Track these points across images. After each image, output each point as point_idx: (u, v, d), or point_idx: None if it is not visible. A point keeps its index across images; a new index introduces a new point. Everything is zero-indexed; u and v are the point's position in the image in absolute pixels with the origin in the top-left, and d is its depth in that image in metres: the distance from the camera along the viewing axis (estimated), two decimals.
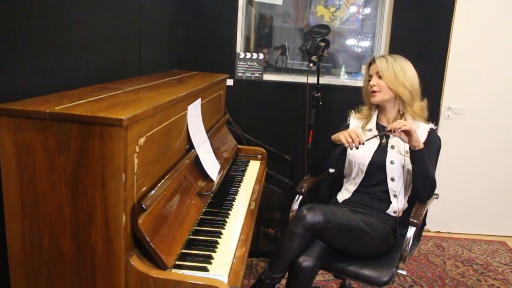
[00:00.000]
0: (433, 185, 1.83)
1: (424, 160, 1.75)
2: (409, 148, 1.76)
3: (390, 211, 1.87)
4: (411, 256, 2.00)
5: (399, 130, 1.71)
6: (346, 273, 1.78)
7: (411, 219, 1.74)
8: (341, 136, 1.79)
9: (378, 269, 1.73)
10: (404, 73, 1.88)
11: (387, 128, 1.77)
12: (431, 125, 1.92)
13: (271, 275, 1.69)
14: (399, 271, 1.73)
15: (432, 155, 1.87)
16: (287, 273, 1.72)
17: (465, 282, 2.63)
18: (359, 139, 1.75)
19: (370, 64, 1.97)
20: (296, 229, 1.67)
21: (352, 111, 2.09)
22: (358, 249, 1.78)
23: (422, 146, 1.74)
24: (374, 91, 1.90)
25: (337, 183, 2.12)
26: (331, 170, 2.13)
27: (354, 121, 2.04)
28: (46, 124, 1.08)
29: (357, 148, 1.79)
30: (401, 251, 1.73)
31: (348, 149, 1.97)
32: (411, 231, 1.73)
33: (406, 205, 1.93)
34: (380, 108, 2.00)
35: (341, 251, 1.79)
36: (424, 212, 1.82)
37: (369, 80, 1.95)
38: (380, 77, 1.89)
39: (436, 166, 1.99)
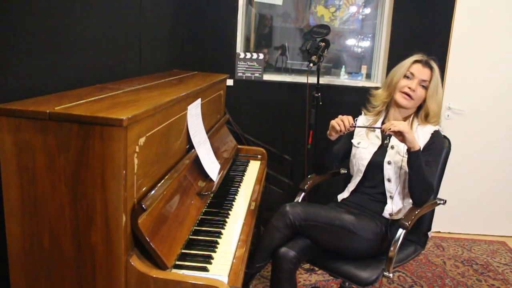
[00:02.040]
0: (429, 188, 1.77)
1: (420, 162, 1.71)
2: (407, 150, 1.73)
3: (385, 213, 1.85)
4: (409, 260, 1.95)
5: (391, 130, 1.68)
6: (330, 269, 1.77)
7: (401, 221, 1.71)
8: (333, 122, 1.78)
9: (364, 269, 1.70)
10: (440, 92, 1.86)
11: (381, 127, 1.76)
12: (436, 127, 1.88)
13: (250, 265, 1.71)
14: (385, 273, 1.68)
15: (433, 158, 1.83)
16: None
17: (465, 282, 2.63)
18: (348, 121, 1.76)
19: (417, 61, 1.87)
20: (277, 223, 1.71)
21: (363, 111, 2.05)
22: (345, 249, 1.77)
23: (417, 147, 1.70)
24: (409, 96, 1.84)
25: (347, 183, 2.10)
26: (343, 171, 2.13)
27: (364, 120, 2.02)
28: (46, 124, 1.08)
29: (349, 130, 1.78)
30: (385, 252, 1.70)
31: (354, 148, 1.97)
32: (399, 233, 1.69)
33: (408, 207, 1.89)
34: (391, 107, 1.95)
35: (330, 250, 1.79)
36: (418, 215, 1.76)
37: (406, 77, 1.87)
38: (422, 86, 1.84)
39: (444, 169, 1.95)
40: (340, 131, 1.78)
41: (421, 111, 1.89)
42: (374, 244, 1.78)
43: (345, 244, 1.75)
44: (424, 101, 1.87)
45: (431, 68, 1.86)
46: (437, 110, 1.87)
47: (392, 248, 1.68)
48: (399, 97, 1.87)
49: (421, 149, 1.80)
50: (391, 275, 1.68)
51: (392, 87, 1.92)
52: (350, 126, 1.77)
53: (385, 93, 1.96)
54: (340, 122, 1.77)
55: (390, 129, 1.68)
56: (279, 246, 1.69)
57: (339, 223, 1.72)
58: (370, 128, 1.94)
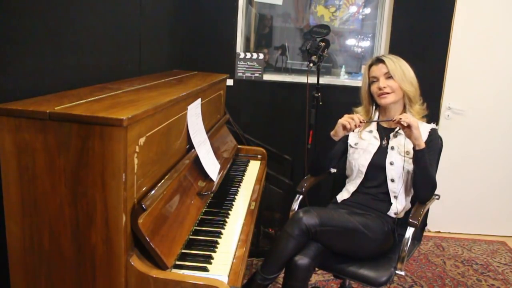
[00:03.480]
0: (433, 186, 1.82)
1: (425, 160, 1.74)
2: (413, 148, 1.76)
3: (390, 212, 1.86)
4: (411, 256, 1.99)
5: (402, 121, 1.70)
6: (344, 273, 1.78)
7: (410, 220, 1.73)
8: (342, 121, 1.80)
9: (376, 269, 1.73)
10: (409, 71, 1.90)
11: (394, 118, 1.75)
12: (433, 126, 1.91)
13: (264, 276, 1.67)
14: (397, 272, 1.72)
15: (432, 156, 1.85)
16: (283, 274, 1.72)
17: (465, 282, 2.63)
18: (358, 118, 1.78)
19: (371, 65, 1.94)
20: (292, 231, 1.66)
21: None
22: (356, 251, 1.78)
23: (423, 145, 1.73)
24: (386, 93, 1.88)
25: (339, 183, 2.12)
26: (333, 170, 2.13)
27: None
28: (46, 124, 1.08)
29: (359, 126, 1.81)
30: (399, 251, 1.73)
31: (351, 149, 1.97)
32: (410, 232, 1.73)
33: (409, 206, 1.90)
34: (381, 109, 1.99)
35: (340, 253, 1.79)
36: (424, 212, 1.81)
37: (373, 82, 1.92)
38: (389, 78, 1.88)
39: (437, 167, 1.98)
40: (350, 129, 1.79)
41: (407, 104, 1.91)
42: (382, 243, 1.80)
43: (357, 246, 1.76)
44: (401, 89, 1.88)
45: (382, 61, 1.90)
46: (413, 90, 1.89)
47: (405, 248, 1.71)
48: (380, 100, 1.91)
49: None
50: (403, 273, 1.72)
51: (366, 99, 2.00)
52: (360, 122, 1.79)
53: (364, 107, 2.02)
54: (351, 120, 1.78)
55: (401, 119, 1.69)
56: (294, 254, 1.67)
57: (352, 225, 1.72)
58: (381, 121, 1.95)
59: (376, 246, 1.78)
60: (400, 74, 1.87)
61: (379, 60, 1.92)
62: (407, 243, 1.71)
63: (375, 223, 1.79)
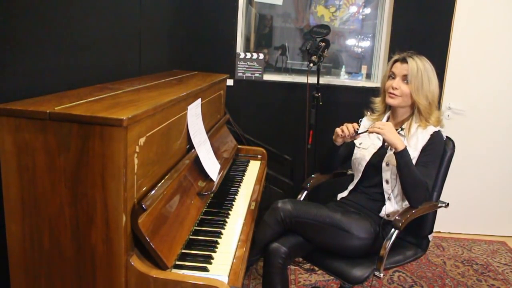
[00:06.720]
0: (422, 188, 1.74)
1: (406, 162, 1.71)
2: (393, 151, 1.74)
3: (382, 213, 1.85)
4: (406, 263, 1.92)
5: (374, 131, 1.72)
6: (321, 265, 1.79)
7: (394, 221, 1.70)
8: (337, 130, 1.83)
9: (354, 266, 1.70)
10: (429, 84, 1.83)
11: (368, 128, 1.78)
12: (437, 128, 1.86)
13: None
14: (375, 273, 1.67)
15: (432, 159, 1.82)
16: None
17: (465, 282, 2.63)
18: (353, 126, 1.79)
19: (396, 61, 1.88)
20: (268, 219, 1.75)
21: (369, 112, 2.06)
22: (336, 247, 1.76)
23: (400, 148, 1.70)
24: (394, 94, 1.85)
25: (348, 183, 2.11)
26: (350, 172, 2.14)
27: (366, 122, 2.03)
28: (46, 124, 1.08)
29: (354, 137, 1.82)
30: (379, 251, 1.68)
31: (355, 149, 1.98)
32: (391, 232, 1.68)
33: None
34: (392, 110, 1.97)
35: (322, 248, 1.80)
36: (411, 216, 1.74)
37: (390, 77, 1.88)
38: (405, 82, 1.83)
39: (447, 171, 1.95)
40: (344, 136, 1.81)
41: (416, 113, 1.88)
42: (367, 243, 1.77)
43: (337, 242, 1.75)
44: (411, 97, 1.84)
45: (407, 62, 1.84)
46: (426, 104, 1.84)
47: (386, 249, 1.67)
48: (387, 98, 1.89)
49: (421, 149, 1.82)
50: (381, 275, 1.66)
51: (383, 93, 1.97)
52: (354, 134, 1.80)
53: (381, 98, 2.00)
54: (344, 128, 1.80)
55: (373, 131, 1.73)
56: (271, 242, 1.72)
57: (329, 221, 1.73)
58: (365, 132, 1.93)
59: (359, 245, 1.75)
60: (417, 84, 1.81)
61: (405, 60, 1.85)
62: (389, 243, 1.67)
63: (362, 222, 1.78)
